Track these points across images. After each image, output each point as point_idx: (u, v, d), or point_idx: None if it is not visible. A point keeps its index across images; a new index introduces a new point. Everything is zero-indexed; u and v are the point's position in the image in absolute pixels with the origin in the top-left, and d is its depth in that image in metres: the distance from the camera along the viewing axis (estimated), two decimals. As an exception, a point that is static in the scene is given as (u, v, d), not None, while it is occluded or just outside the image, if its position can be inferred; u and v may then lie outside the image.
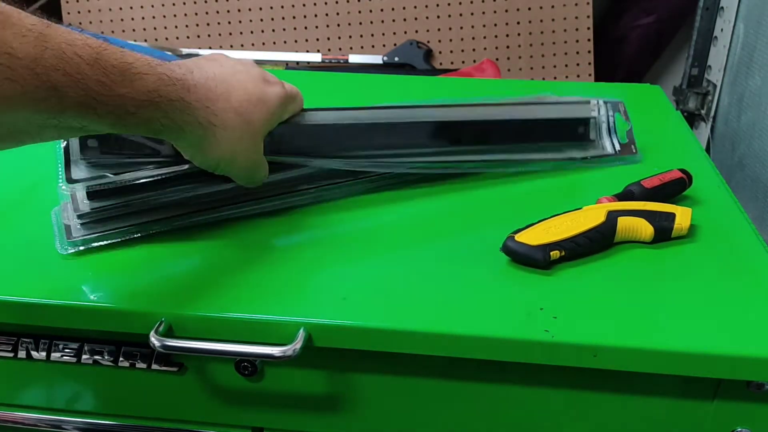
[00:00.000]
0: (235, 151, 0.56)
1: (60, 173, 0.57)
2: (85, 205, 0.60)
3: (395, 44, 1.59)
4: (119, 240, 0.60)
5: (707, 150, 1.27)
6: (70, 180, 0.57)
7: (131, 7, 1.66)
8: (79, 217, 0.59)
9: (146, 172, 0.59)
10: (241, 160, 0.57)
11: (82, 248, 0.59)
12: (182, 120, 0.51)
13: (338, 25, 1.60)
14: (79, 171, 0.58)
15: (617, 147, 0.71)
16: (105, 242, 0.59)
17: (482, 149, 0.69)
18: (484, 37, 1.57)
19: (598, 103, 0.73)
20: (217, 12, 1.63)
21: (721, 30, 1.26)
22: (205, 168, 0.57)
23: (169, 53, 1.56)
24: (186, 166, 0.59)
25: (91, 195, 0.60)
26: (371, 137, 0.66)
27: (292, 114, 0.63)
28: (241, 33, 1.63)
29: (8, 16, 0.40)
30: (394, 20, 1.59)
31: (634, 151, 0.71)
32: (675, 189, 0.66)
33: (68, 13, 1.66)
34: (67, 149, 0.58)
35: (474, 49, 1.58)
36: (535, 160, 0.70)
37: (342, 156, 0.65)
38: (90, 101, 0.44)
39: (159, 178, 0.61)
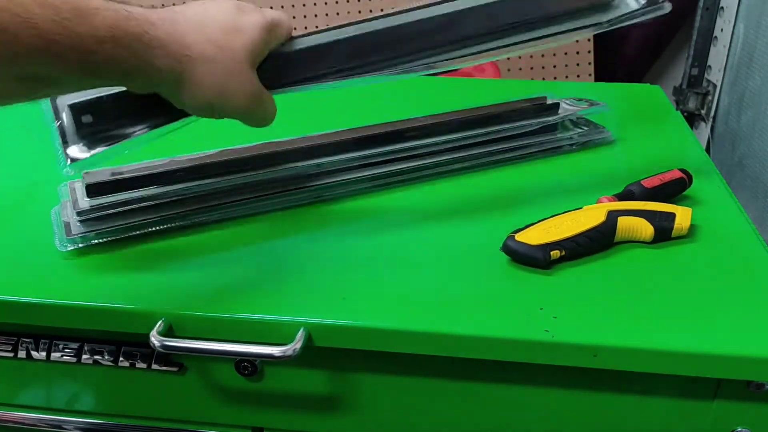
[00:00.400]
0: (224, 85, 0.52)
1: (59, 156, 0.54)
2: (84, 202, 0.60)
3: (395, 44, 1.58)
4: (118, 237, 0.60)
5: (707, 150, 1.27)
6: (70, 159, 0.53)
7: (131, 7, 1.66)
8: (79, 214, 0.59)
9: (146, 164, 0.58)
10: (236, 94, 0.53)
11: (81, 245, 0.59)
12: (153, 56, 0.48)
13: (338, 25, 1.60)
14: (79, 151, 0.54)
15: (642, 1, 0.66)
16: (104, 239, 0.59)
17: (500, 35, 0.61)
18: (484, 37, 1.57)
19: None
20: (217, 12, 1.63)
21: (721, 30, 1.26)
22: (203, 115, 0.54)
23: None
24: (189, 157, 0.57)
25: (91, 192, 0.60)
26: (378, 46, 0.59)
27: (281, 41, 0.57)
28: (241, 33, 1.63)
29: None
30: (394, 20, 1.58)
31: (660, 0, 0.63)
32: (675, 189, 0.66)
33: (68, 13, 1.66)
34: (62, 128, 0.54)
35: (474, 49, 1.58)
36: (560, 32, 0.62)
37: (352, 70, 0.59)
38: (44, 43, 0.42)
39: (158, 172, 0.61)
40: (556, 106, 0.79)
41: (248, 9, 0.55)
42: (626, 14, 0.62)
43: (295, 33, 0.59)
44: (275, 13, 0.57)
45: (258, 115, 0.56)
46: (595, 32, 0.62)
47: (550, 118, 0.77)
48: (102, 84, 0.49)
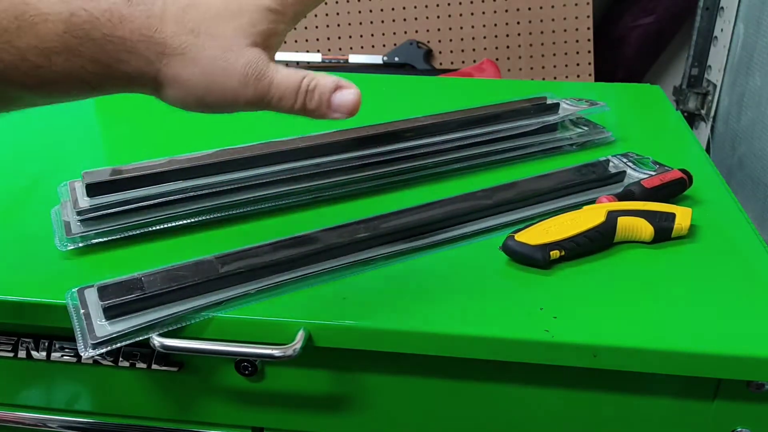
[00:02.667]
0: (208, 85, 0.42)
1: (77, 334, 0.50)
2: (84, 202, 0.60)
3: (395, 44, 1.59)
4: (118, 237, 0.60)
5: (707, 150, 1.27)
6: (95, 338, 0.49)
7: (131, 7, 1.66)
8: (79, 213, 0.59)
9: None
10: (225, 91, 0.42)
11: (81, 245, 0.59)
12: (119, 62, 0.40)
13: (338, 25, 1.60)
14: (102, 328, 0.50)
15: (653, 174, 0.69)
16: (104, 239, 0.59)
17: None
18: (484, 37, 1.57)
19: (614, 160, 0.71)
20: (217, 12, 1.63)
21: (721, 30, 1.26)
22: (201, 110, 0.44)
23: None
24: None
25: (90, 191, 0.60)
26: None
27: (295, 16, 0.46)
28: (241, 33, 1.63)
29: None
30: (394, 20, 1.59)
31: (669, 169, 0.68)
32: (675, 189, 0.66)
33: (68, 13, 1.66)
34: (85, 305, 0.51)
35: (474, 49, 1.58)
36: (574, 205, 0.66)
37: None
38: None
39: (157, 171, 0.61)
40: (556, 106, 0.79)
41: None
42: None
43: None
44: None
45: (271, 103, 0.44)
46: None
47: (551, 118, 0.77)
48: (60, 98, 0.42)
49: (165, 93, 0.43)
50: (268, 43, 0.44)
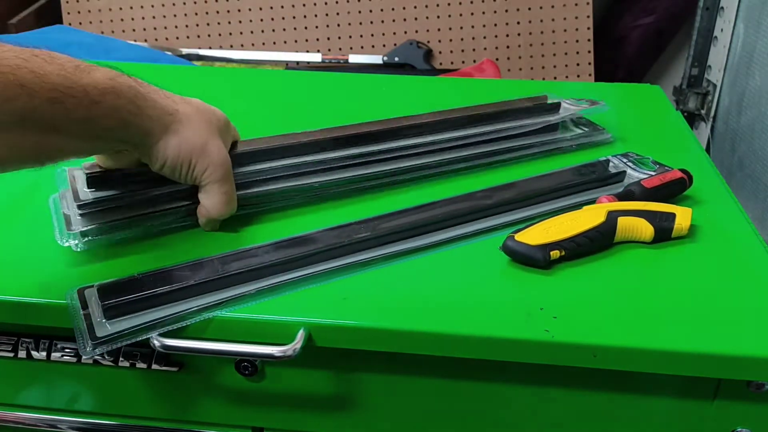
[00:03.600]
0: (206, 141, 0.58)
1: (78, 335, 0.50)
2: (85, 194, 0.59)
3: (395, 44, 1.59)
4: (119, 233, 0.59)
5: (707, 150, 1.27)
6: (95, 338, 0.50)
7: (131, 7, 1.66)
8: (80, 207, 0.58)
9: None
10: (217, 152, 0.58)
11: (82, 239, 0.58)
12: (146, 106, 0.53)
13: (338, 25, 1.60)
14: (103, 327, 0.50)
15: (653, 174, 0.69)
16: (105, 234, 0.59)
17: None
18: (484, 37, 1.57)
19: (614, 160, 0.71)
20: (217, 12, 1.63)
21: (721, 30, 1.26)
22: (177, 170, 0.57)
23: (169, 53, 1.56)
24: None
25: (92, 183, 0.59)
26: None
27: (236, 139, 0.66)
28: (241, 33, 1.64)
29: None
30: (394, 20, 1.59)
31: (669, 169, 0.68)
32: (675, 189, 0.66)
33: (68, 13, 1.66)
34: (85, 303, 0.52)
35: (474, 49, 1.58)
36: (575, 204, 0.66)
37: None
38: (57, 95, 0.47)
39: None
40: (557, 105, 0.79)
41: None
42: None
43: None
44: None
45: (227, 186, 0.60)
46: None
47: (552, 118, 0.77)
48: (102, 135, 0.52)
49: (167, 142, 0.56)
50: (224, 138, 0.62)
